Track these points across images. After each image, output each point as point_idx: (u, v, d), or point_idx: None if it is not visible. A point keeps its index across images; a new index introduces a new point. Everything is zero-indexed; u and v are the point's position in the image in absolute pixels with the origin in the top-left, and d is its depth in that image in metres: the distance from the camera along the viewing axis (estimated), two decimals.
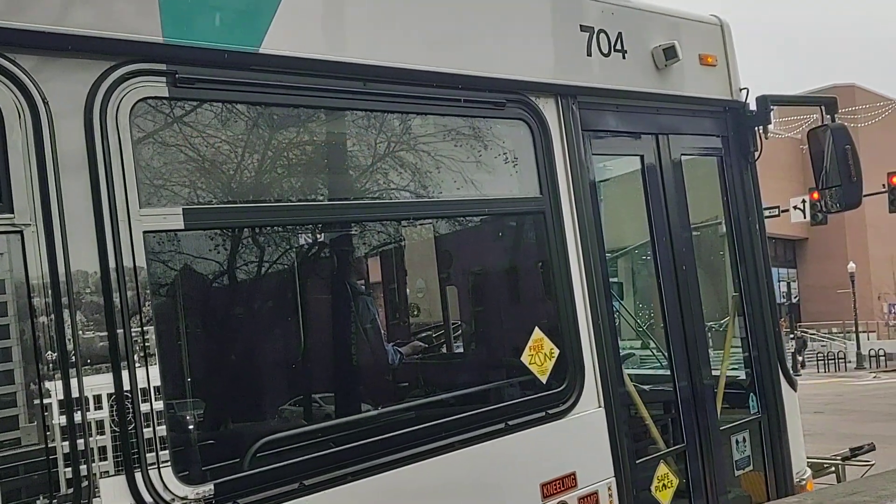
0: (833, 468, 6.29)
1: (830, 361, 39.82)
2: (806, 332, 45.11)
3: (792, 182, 38.03)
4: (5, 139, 2.46)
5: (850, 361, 42.92)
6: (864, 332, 45.86)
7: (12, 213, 2.44)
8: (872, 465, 5.95)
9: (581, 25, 4.16)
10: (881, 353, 44.62)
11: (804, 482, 5.05)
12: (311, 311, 3.89)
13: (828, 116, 5.12)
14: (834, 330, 46.85)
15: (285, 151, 3.17)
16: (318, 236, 3.74)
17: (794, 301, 54.09)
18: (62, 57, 2.59)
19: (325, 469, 2.99)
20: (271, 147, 3.18)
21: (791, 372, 5.15)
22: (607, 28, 4.25)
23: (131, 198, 2.65)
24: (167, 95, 2.81)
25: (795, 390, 5.13)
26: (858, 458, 6.34)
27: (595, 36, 4.20)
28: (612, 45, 4.29)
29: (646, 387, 4.66)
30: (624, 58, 4.34)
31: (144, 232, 2.67)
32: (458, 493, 3.38)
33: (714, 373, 4.77)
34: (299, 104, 3.18)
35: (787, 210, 30.34)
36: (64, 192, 2.53)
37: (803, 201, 28.71)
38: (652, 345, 5.22)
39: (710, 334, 4.98)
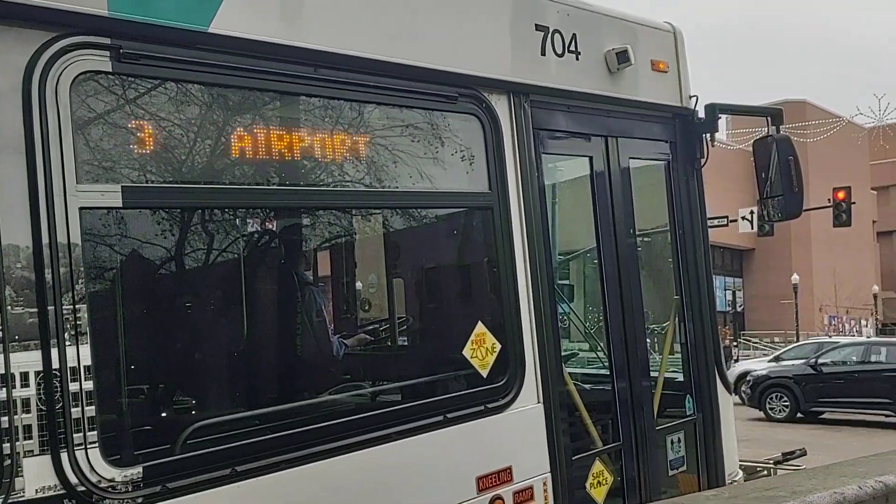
0: (765, 471, 6.46)
1: None
2: (749, 341, 46.11)
3: (741, 193, 38.83)
4: None
5: None
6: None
7: None
8: (803, 468, 6.11)
9: (537, 24, 4.19)
10: None
11: (735, 483, 5.16)
12: (253, 299, 3.84)
13: (773, 127, 5.23)
14: (776, 339, 47.95)
15: (231, 134, 3.12)
16: (263, 222, 3.70)
17: (738, 310, 55.27)
18: (0, 25, 2.52)
19: (258, 456, 2.96)
20: (216, 128, 3.13)
21: (727, 376, 5.26)
22: (563, 28, 4.29)
23: (68, 173, 2.59)
24: (110, 70, 2.75)
25: (731, 394, 5.24)
26: (790, 461, 6.52)
27: (550, 36, 4.23)
28: (567, 45, 4.32)
29: (586, 386, 4.72)
30: (577, 59, 4.38)
31: (80, 208, 2.61)
32: (394, 483, 3.38)
33: (653, 374, 4.85)
34: (247, 86, 3.14)
35: (735, 220, 31.00)
36: None
37: (751, 212, 29.35)
38: (595, 346, 5.28)
39: (651, 337, 5.06)
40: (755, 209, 27.51)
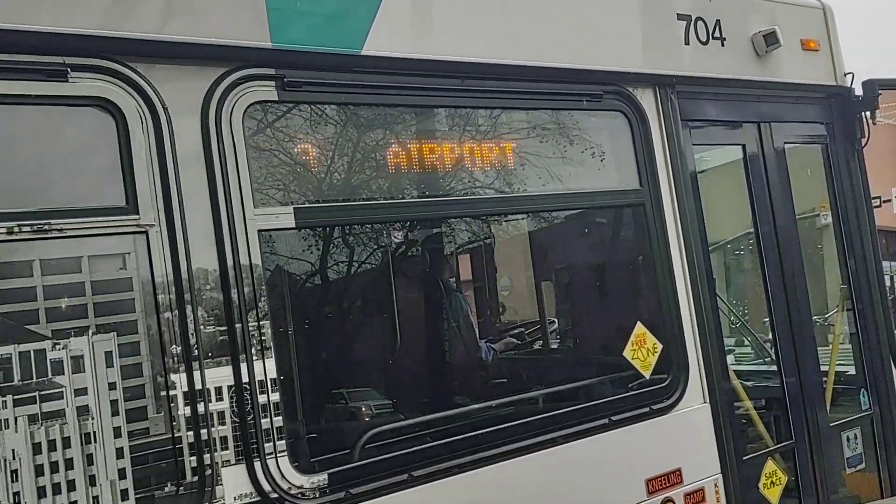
0: None
1: None
2: None
3: (893, 171, 36.25)
4: (130, 144, 2.59)
5: None
6: None
7: (138, 214, 2.57)
8: None
9: (678, 14, 4.09)
10: None
11: None
12: (411, 308, 3.95)
13: None
14: None
15: (387, 150, 3.22)
16: (419, 233, 3.79)
17: None
18: (179, 64, 2.71)
19: (431, 461, 3.03)
20: (372, 146, 3.24)
21: None
22: (705, 15, 4.17)
23: (246, 198, 2.75)
24: (276, 99, 2.90)
25: None
26: None
27: (693, 24, 4.12)
28: (711, 32, 4.19)
29: (753, 383, 4.54)
30: (723, 45, 4.24)
31: (259, 231, 2.76)
32: (562, 488, 3.37)
33: (823, 368, 4.61)
34: (399, 103, 3.23)
35: (889, 200, 28.97)
36: (184, 194, 2.64)
37: None
38: (755, 339, 5.08)
39: (818, 328, 4.82)
40: None
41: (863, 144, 4.82)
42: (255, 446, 2.67)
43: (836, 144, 4.77)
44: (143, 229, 2.58)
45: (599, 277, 4.27)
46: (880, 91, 4.76)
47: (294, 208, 2.88)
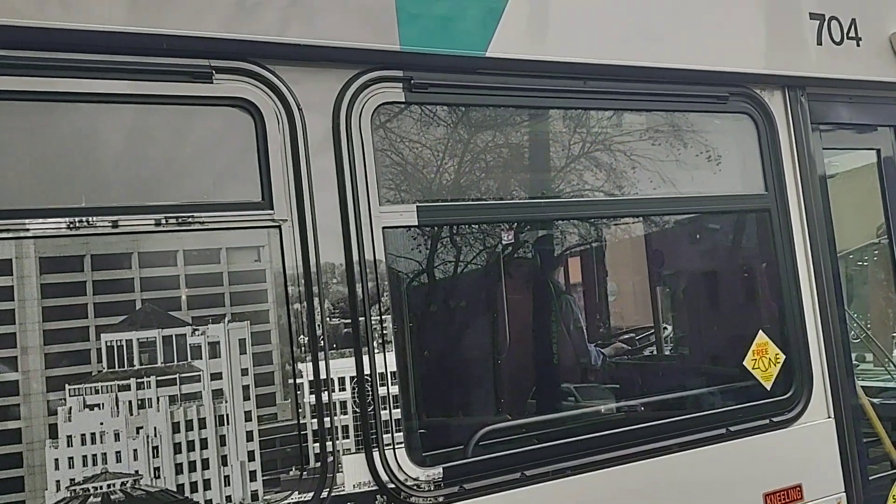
0: None
1: None
2: None
3: None
4: (266, 142, 2.72)
5: None
6: None
7: (272, 209, 2.70)
8: None
9: (811, 13, 3.94)
10: None
11: None
12: (519, 309, 3.98)
13: None
14: None
15: (509, 151, 3.26)
16: (533, 234, 3.81)
17: None
18: (313, 66, 2.83)
19: (544, 462, 3.04)
20: (496, 147, 3.28)
21: None
22: (840, 15, 3.99)
23: (372, 196, 2.84)
24: (403, 100, 2.98)
25: None
26: None
27: (826, 23, 3.96)
28: (846, 32, 4.02)
29: (883, 400, 4.32)
30: (858, 45, 4.05)
31: (384, 227, 2.85)
32: (675, 497, 3.31)
33: None
34: (522, 105, 3.26)
35: None
36: (315, 191, 2.75)
37: None
38: (884, 354, 4.83)
39: None
40: None
41: None
42: (374, 437, 2.75)
43: None
44: (276, 224, 2.70)
45: (720, 284, 4.17)
46: None
47: (417, 206, 2.95)
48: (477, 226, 3.39)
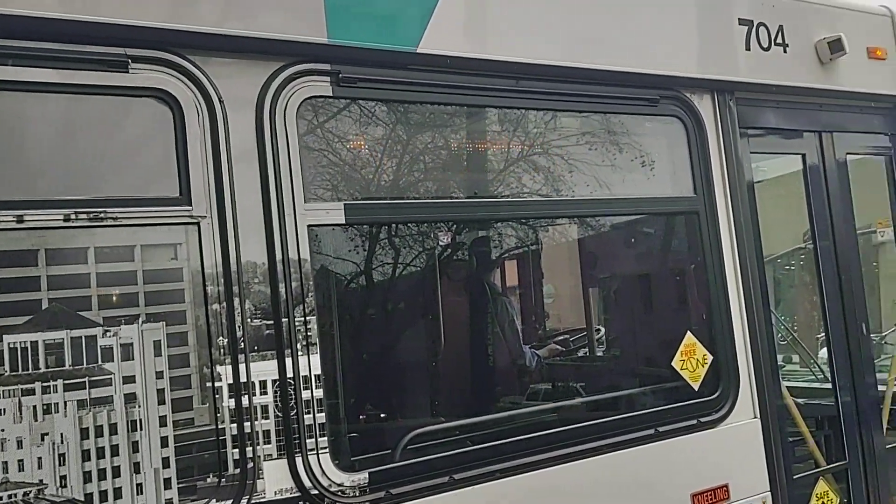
0: None
1: None
2: None
3: None
4: (186, 135, 2.61)
5: None
6: None
7: (191, 205, 2.59)
8: None
9: (740, 19, 3.99)
10: None
11: None
12: (453, 310, 3.92)
13: None
14: None
15: (440, 149, 3.21)
16: (467, 235, 3.76)
17: None
18: (236, 58, 2.73)
19: (473, 465, 2.99)
20: (428, 145, 3.22)
21: None
22: (768, 21, 4.06)
23: (297, 193, 2.75)
24: (331, 94, 2.90)
25: None
26: None
27: (755, 29, 4.02)
28: (773, 38, 4.09)
29: (806, 399, 4.41)
30: (785, 52, 4.13)
31: (309, 226, 2.76)
32: (604, 498, 3.31)
33: (880, 387, 4.46)
34: (454, 102, 3.21)
35: None
36: (236, 187, 2.65)
37: None
38: (808, 355, 4.94)
39: (877, 345, 4.66)
40: None
41: None
42: (297, 442, 2.66)
43: None
44: (195, 220, 2.59)
45: (649, 285, 4.19)
46: None
47: (345, 205, 2.87)
48: (409, 226, 3.33)
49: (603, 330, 4.66)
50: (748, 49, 4.01)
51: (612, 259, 4.26)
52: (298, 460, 2.66)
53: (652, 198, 3.83)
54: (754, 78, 4.00)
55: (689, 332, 3.69)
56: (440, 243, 3.58)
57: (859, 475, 4.17)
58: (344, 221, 2.86)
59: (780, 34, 4.11)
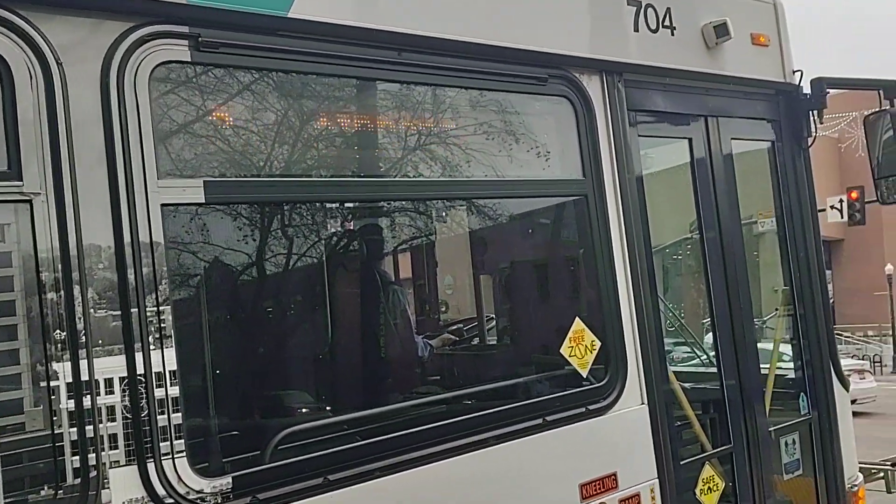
0: (882, 473, 6.01)
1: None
2: (840, 335, 44.22)
3: (828, 181, 37.17)
4: (15, 101, 2.28)
5: (885, 365, 42.08)
6: None
7: (21, 180, 2.27)
8: None
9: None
10: None
11: (856, 488, 4.76)
12: (338, 298, 3.70)
13: (886, 101, 4.81)
14: (870, 333, 45.84)
15: (314, 123, 2.97)
16: (347, 216, 3.53)
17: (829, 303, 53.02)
18: (79, 15, 2.41)
19: (351, 464, 2.79)
20: (299, 118, 2.98)
21: (843, 371, 4.86)
22: (656, 3, 4.00)
23: (149, 168, 2.47)
24: (189, 60, 2.62)
25: (848, 390, 4.84)
26: None
27: (643, 10, 3.96)
28: (661, 20, 4.03)
29: (692, 385, 4.41)
30: (673, 34, 4.09)
31: (163, 205, 2.48)
32: (494, 490, 3.17)
33: (763, 371, 4.51)
34: (329, 73, 2.98)
35: (824, 210, 29.61)
36: (77, 161, 2.35)
37: (840, 201, 28.05)
38: (696, 341, 4.97)
39: (759, 331, 4.72)
40: (844, 198, 26.39)
41: (810, 143, 4.74)
42: (148, 446, 2.39)
43: (784, 142, 4.67)
44: (27, 198, 2.27)
45: (539, 271, 4.08)
46: (828, 90, 4.68)
47: (205, 181, 2.60)
48: (279, 206, 3.07)
49: (494, 317, 4.54)
50: (637, 30, 3.95)
51: (501, 244, 4.13)
52: (151, 466, 2.39)
53: (540, 180, 3.71)
54: (643, 60, 3.94)
55: (577, 319, 3.59)
56: (315, 226, 3.33)
57: (744, 458, 4.19)
58: (204, 200, 2.59)
59: (667, 16, 4.06)
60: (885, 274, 43.11)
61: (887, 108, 4.74)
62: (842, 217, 29.51)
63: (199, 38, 2.61)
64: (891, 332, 43.57)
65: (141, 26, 2.52)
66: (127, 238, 2.40)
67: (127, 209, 2.41)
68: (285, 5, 2.82)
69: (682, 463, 3.88)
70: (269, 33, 2.78)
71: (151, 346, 2.41)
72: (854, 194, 26.38)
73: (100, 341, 2.35)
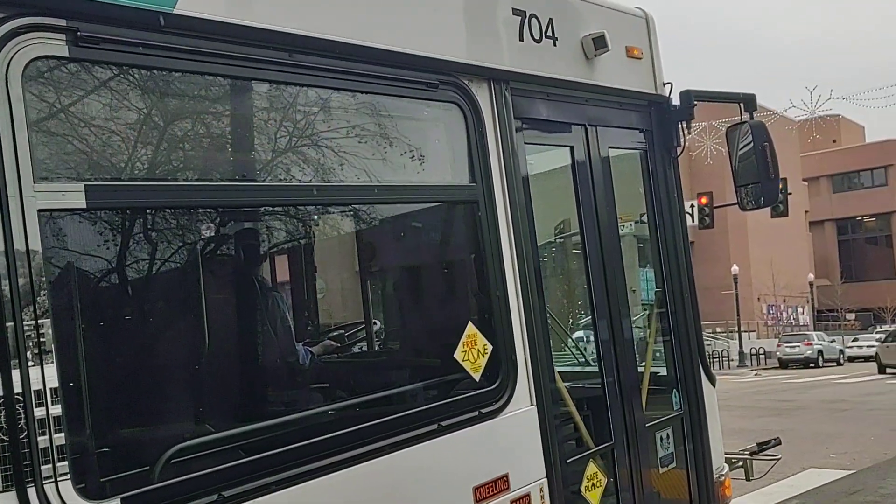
0: (741, 463, 6.40)
1: (714, 360, 41.59)
2: None
3: (686, 189, 39.42)
4: None
5: (732, 360, 45.07)
6: (745, 331, 48.28)
7: None
8: (779, 459, 6.06)
9: (514, 8, 4.00)
10: (761, 351, 47.14)
11: (723, 478, 5.05)
12: (226, 307, 3.56)
13: (746, 113, 5.15)
14: (718, 330, 48.99)
15: (202, 126, 2.85)
16: (234, 224, 3.41)
17: None
18: None
19: (244, 479, 2.69)
20: (185, 121, 2.85)
21: (710, 367, 5.15)
22: (539, 13, 4.11)
23: (24, 171, 2.29)
24: (67, 56, 2.45)
25: (714, 386, 5.13)
26: (766, 452, 6.47)
27: (528, 20, 4.05)
28: (544, 30, 4.15)
29: (575, 384, 4.54)
30: (555, 45, 4.21)
31: (39, 210, 2.31)
32: (390, 498, 3.14)
33: (639, 369, 4.71)
34: (218, 73, 2.87)
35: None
36: None
37: (692, 206, 29.82)
38: (580, 341, 5.13)
39: (634, 331, 4.92)
40: (695, 203, 28.07)
41: (678, 153, 5.00)
42: (28, 469, 2.21)
43: (654, 152, 4.91)
44: None
45: (429, 276, 4.09)
46: (696, 102, 4.96)
47: (86, 186, 2.44)
48: (165, 213, 2.92)
49: (381, 324, 4.50)
50: (522, 40, 4.03)
51: (391, 250, 4.10)
52: (31, 491, 2.22)
53: (431, 186, 3.72)
54: (528, 69, 4.03)
55: (469, 323, 3.62)
56: (203, 233, 3.19)
57: (625, 454, 4.36)
58: (85, 206, 2.43)
59: (550, 27, 4.18)
60: (731, 274, 46.18)
61: (746, 119, 5.07)
62: (693, 221, 31.37)
63: (78, 33, 2.45)
64: (736, 329, 46.72)
65: (12, 17, 2.34)
66: (0, 247, 2.22)
67: (0, 216, 2.23)
68: (171, 0, 2.69)
69: (567, 461, 3.99)
70: (154, 29, 2.65)
71: (30, 363, 2.24)
72: (704, 199, 28.12)
73: None
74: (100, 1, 2.50)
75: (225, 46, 2.82)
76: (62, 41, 2.42)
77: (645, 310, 5.25)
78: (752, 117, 5.09)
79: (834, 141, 67.71)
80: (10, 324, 2.22)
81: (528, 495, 3.65)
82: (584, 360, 5.13)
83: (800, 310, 53.68)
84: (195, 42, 2.74)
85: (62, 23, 2.42)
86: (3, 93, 2.28)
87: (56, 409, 2.28)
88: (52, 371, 2.28)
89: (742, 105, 5.13)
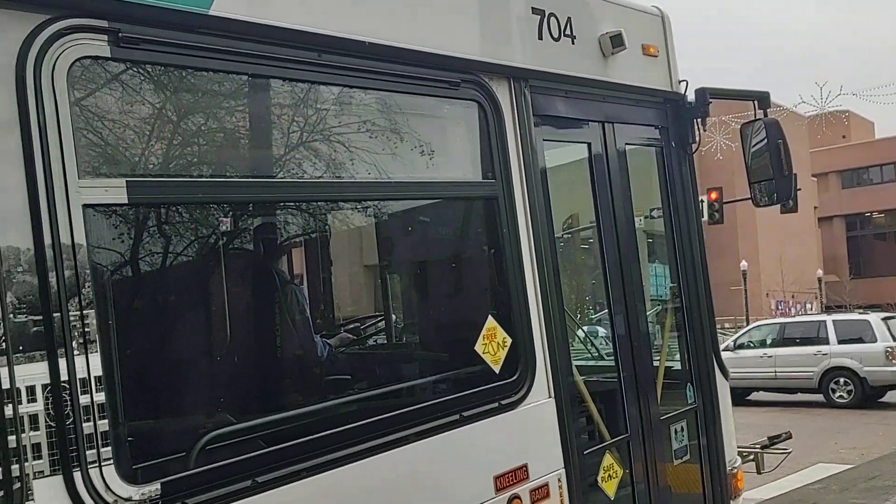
0: (752, 456, 6.47)
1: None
2: None
3: None
4: None
5: None
6: None
7: None
8: (790, 452, 6.13)
9: (533, 7, 4.07)
10: None
11: (735, 471, 5.13)
12: (253, 301, 3.65)
13: (760, 111, 5.21)
14: (727, 325, 48.89)
15: (238, 124, 2.93)
16: (265, 217, 3.50)
17: None
18: None
19: (276, 465, 2.78)
20: (222, 118, 2.94)
21: (724, 361, 5.22)
22: (558, 12, 4.18)
23: (69, 168, 2.38)
24: (109, 55, 2.53)
25: (728, 379, 5.20)
26: (777, 446, 6.54)
27: (546, 19, 4.12)
28: (563, 29, 4.21)
29: (592, 377, 4.62)
30: (573, 43, 4.28)
31: (84, 205, 2.40)
32: (412, 487, 3.23)
33: (654, 363, 4.78)
34: (252, 73, 2.95)
35: None
36: None
37: (702, 201, 29.85)
38: (597, 335, 5.20)
39: (650, 325, 5.00)
40: (705, 198, 28.04)
41: (693, 149, 5.07)
42: (74, 454, 2.31)
43: (670, 148, 4.97)
44: None
45: (449, 270, 4.17)
46: (711, 100, 5.02)
47: (127, 182, 2.53)
48: (204, 207, 3.01)
49: (402, 316, 4.59)
50: (541, 38, 4.10)
51: (413, 245, 4.18)
52: (77, 475, 2.31)
53: (451, 182, 3.80)
54: (546, 66, 4.10)
55: (490, 316, 3.70)
56: (238, 226, 3.28)
57: (640, 447, 4.44)
58: (126, 201, 2.52)
59: (568, 25, 4.25)
60: (740, 270, 46.13)
61: (760, 117, 5.13)
62: (702, 217, 31.38)
63: (119, 34, 2.53)
64: (745, 324, 46.64)
65: (57, 19, 2.42)
66: (47, 240, 2.31)
67: (47, 211, 2.32)
68: (206, 2, 2.78)
69: (584, 453, 4.07)
70: (191, 30, 2.73)
71: (75, 352, 2.33)
72: (714, 195, 28.10)
73: (20, 347, 2.25)
74: (139, 3, 2.59)
75: (256, 46, 2.90)
76: (104, 42, 2.51)
77: (660, 304, 5.32)
78: (765, 115, 5.15)
79: (843, 137, 67.47)
80: (56, 314, 2.31)
81: (546, 485, 3.74)
82: (600, 353, 5.20)
83: (808, 306, 53.55)
84: (229, 42, 2.82)
85: (104, 24, 2.51)
86: (49, 92, 2.37)
87: (100, 397, 2.37)
88: (96, 360, 2.37)
89: (756, 103, 5.18)
